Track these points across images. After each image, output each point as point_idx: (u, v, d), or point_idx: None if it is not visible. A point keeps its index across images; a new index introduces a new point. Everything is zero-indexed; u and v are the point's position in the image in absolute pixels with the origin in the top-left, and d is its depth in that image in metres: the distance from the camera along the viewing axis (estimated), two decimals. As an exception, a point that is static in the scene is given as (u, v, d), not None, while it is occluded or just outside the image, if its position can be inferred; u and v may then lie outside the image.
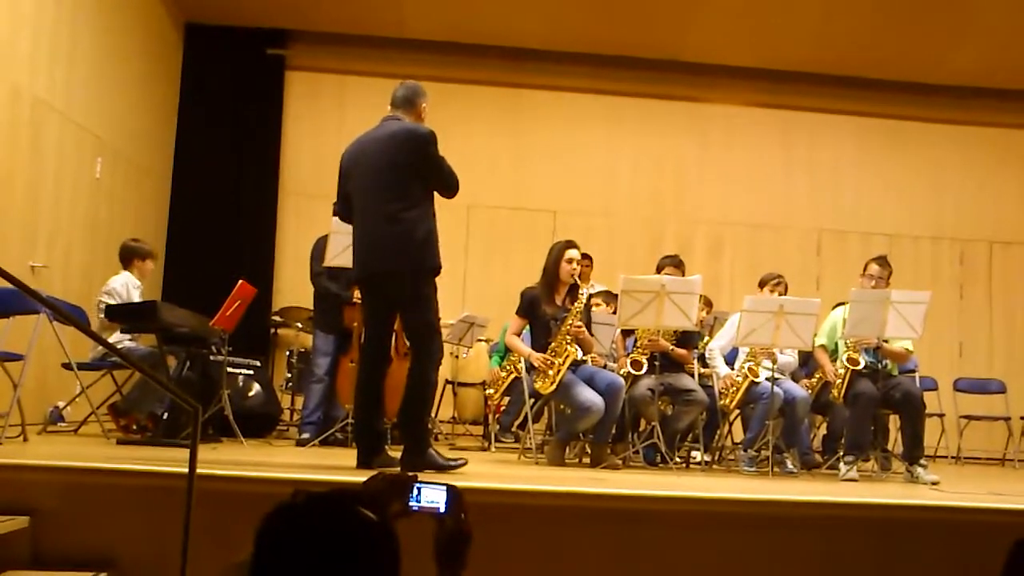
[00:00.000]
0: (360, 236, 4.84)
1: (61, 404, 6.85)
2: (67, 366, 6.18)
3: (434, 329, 4.81)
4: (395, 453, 4.82)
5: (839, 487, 5.45)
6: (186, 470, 3.18)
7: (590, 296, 6.43)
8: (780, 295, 6.47)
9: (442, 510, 1.77)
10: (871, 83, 10.32)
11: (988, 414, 9.18)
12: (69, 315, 3.67)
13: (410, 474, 1.85)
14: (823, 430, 7.73)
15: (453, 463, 4.67)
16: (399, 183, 4.71)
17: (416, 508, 1.77)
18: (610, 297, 6.96)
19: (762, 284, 6.65)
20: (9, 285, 3.28)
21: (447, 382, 8.68)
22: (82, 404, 6.39)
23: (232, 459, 4.83)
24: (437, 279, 4.83)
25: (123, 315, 6.02)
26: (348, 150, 5.06)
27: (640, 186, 10.32)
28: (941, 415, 8.85)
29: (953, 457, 9.08)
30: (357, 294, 6.60)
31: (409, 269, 4.68)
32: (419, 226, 4.69)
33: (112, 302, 6.25)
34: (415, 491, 1.78)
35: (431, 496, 1.77)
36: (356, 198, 4.90)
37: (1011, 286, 10.48)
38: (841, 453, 6.13)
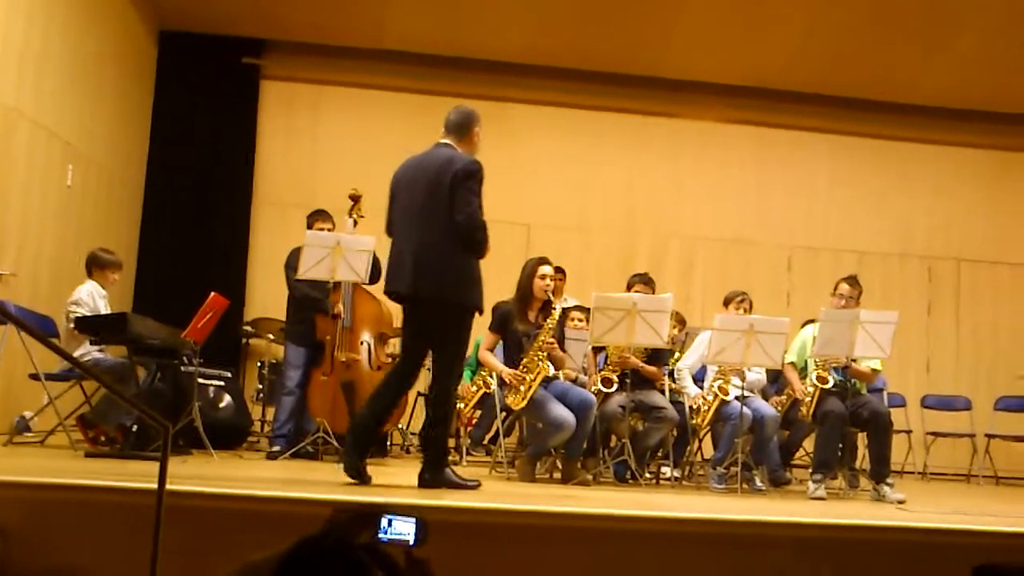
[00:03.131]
0: (396, 256, 4.92)
1: (28, 414, 6.78)
2: (35, 376, 6.13)
3: (461, 356, 4.98)
4: (376, 467, 4.82)
5: (806, 505, 5.51)
6: (155, 485, 3.17)
7: (565, 312, 6.46)
8: (745, 312, 6.53)
9: (412, 542, 1.77)
10: (846, 102, 10.44)
11: (954, 431, 9.30)
12: (32, 328, 3.63)
13: (380, 505, 1.85)
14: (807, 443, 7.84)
15: (469, 483, 4.76)
16: (440, 213, 4.76)
17: (385, 540, 1.77)
18: (584, 312, 7.00)
19: (727, 302, 6.71)
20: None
21: (419, 394, 8.67)
22: (50, 414, 6.33)
23: (202, 473, 4.81)
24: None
25: (93, 326, 5.98)
26: (397, 172, 5.10)
27: (614, 201, 10.37)
28: (908, 431, 8.96)
29: (920, 473, 9.19)
30: (339, 307, 6.62)
31: (441, 297, 4.79)
32: (455, 258, 4.77)
33: (80, 311, 6.21)
34: (384, 522, 1.78)
35: (400, 528, 1.78)
36: (399, 221, 4.96)
37: (978, 304, 10.62)
38: (795, 465, 6.20)
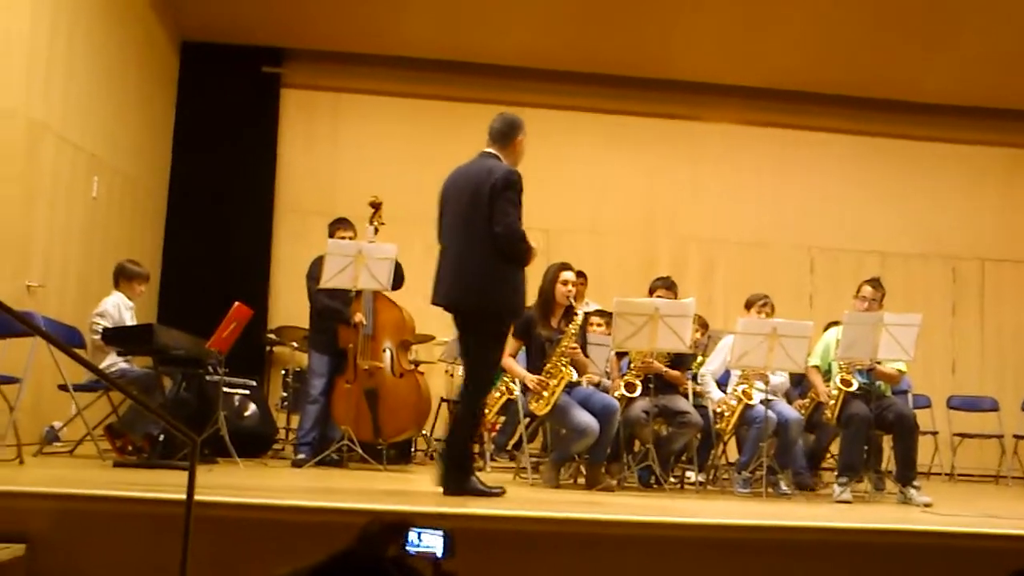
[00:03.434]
0: (442, 265, 4.99)
1: (57, 424, 6.85)
2: (63, 387, 6.19)
3: (493, 365, 4.99)
4: (399, 474, 4.84)
5: (832, 509, 5.48)
6: (184, 496, 3.19)
7: (587, 316, 6.46)
8: (767, 316, 6.51)
9: (439, 555, 1.79)
10: (863, 102, 10.37)
11: (981, 432, 9.23)
12: (59, 341, 3.68)
13: (407, 518, 1.87)
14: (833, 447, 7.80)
15: (493, 491, 4.79)
16: (480, 223, 4.80)
17: (413, 552, 1.79)
18: (605, 316, 6.99)
19: (748, 305, 6.68)
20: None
21: (442, 400, 8.69)
22: (78, 424, 6.40)
23: (229, 483, 4.85)
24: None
25: (120, 338, 6.05)
26: (445, 182, 5.14)
27: (632, 204, 10.35)
28: (935, 433, 8.89)
29: (947, 474, 9.12)
30: (359, 315, 6.65)
31: (478, 307, 4.83)
32: (495, 268, 4.79)
33: (105, 323, 6.27)
34: (412, 535, 1.80)
35: (428, 541, 1.79)
36: (445, 230, 5.03)
37: (1003, 303, 10.53)
38: (823, 468, 6.18)
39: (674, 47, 9.76)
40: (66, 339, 6.11)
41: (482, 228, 4.79)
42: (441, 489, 4.79)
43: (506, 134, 5.08)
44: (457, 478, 4.79)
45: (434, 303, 5.03)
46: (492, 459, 7.54)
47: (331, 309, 6.74)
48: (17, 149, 6.71)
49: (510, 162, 5.01)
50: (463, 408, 4.97)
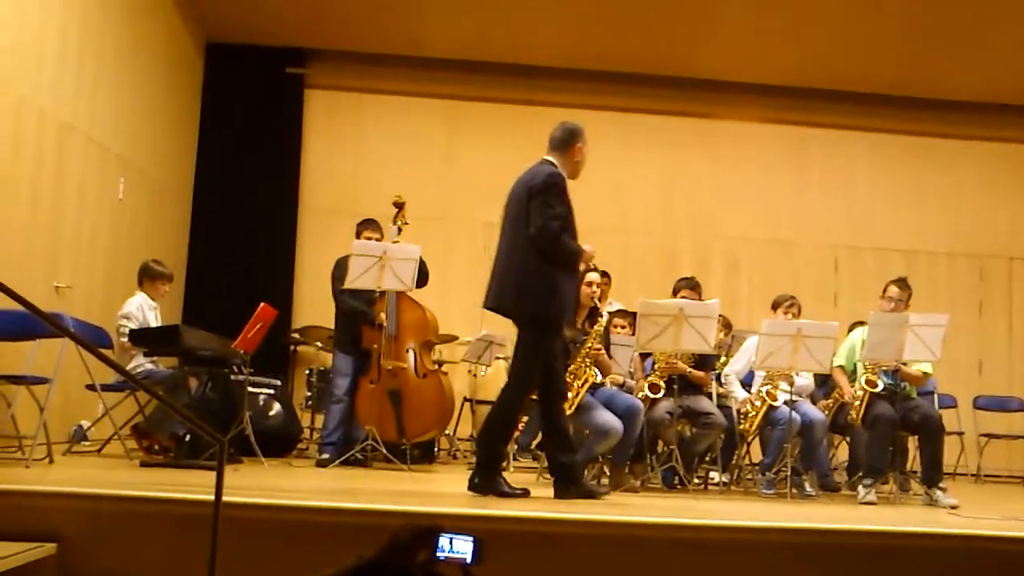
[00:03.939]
0: (493, 269, 5.08)
1: (85, 424, 6.93)
2: (91, 387, 6.26)
3: (531, 367, 4.96)
4: (423, 474, 4.86)
5: (857, 511, 5.46)
6: (211, 497, 3.22)
7: (610, 316, 6.46)
8: (794, 317, 6.48)
9: (469, 560, 1.80)
10: (885, 99, 10.32)
11: (1008, 432, 9.16)
12: (87, 342, 3.71)
13: (437, 524, 1.88)
14: (841, 449, 7.75)
15: (517, 491, 4.82)
16: (522, 226, 4.90)
17: (443, 558, 1.79)
18: (627, 316, 6.99)
19: (775, 306, 6.66)
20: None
21: (465, 399, 8.72)
22: (106, 424, 6.47)
23: (256, 484, 4.90)
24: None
25: (146, 339, 6.11)
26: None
27: (654, 203, 10.34)
28: (960, 433, 8.82)
29: (973, 475, 9.05)
30: (383, 316, 6.68)
31: (517, 309, 4.94)
32: (535, 270, 4.85)
33: (130, 325, 6.33)
34: (441, 541, 1.80)
35: (458, 546, 1.80)
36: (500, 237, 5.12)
37: (1032, 302, 10.44)
38: (859, 475, 6.15)
39: (697, 45, 9.73)
40: (93, 340, 6.17)
41: (523, 232, 4.88)
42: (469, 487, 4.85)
43: (565, 141, 5.14)
44: (483, 476, 4.84)
45: (484, 307, 5.11)
46: (515, 459, 7.55)
47: (355, 310, 6.77)
48: (46, 151, 6.79)
49: (568, 170, 5.07)
50: (493, 408, 5.03)
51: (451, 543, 1.79)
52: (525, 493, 4.84)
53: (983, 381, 10.03)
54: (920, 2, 9.00)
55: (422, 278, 6.53)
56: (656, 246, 10.17)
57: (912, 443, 6.59)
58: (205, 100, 9.90)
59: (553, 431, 5.08)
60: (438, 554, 1.79)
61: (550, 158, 5.11)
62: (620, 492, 5.72)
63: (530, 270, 4.85)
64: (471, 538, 1.81)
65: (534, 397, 6.62)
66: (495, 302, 5.01)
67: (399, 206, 6.92)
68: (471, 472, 4.96)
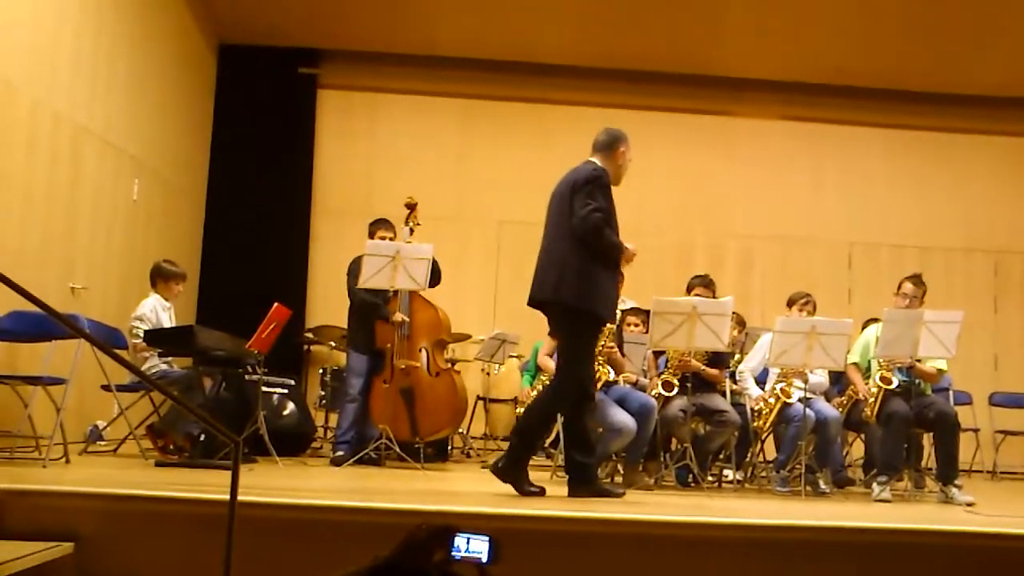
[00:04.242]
0: (536, 265, 5.09)
1: (101, 424, 6.97)
2: (106, 388, 6.29)
3: (573, 362, 4.96)
4: (437, 472, 4.86)
5: (872, 509, 5.44)
6: (226, 496, 3.24)
7: (623, 315, 6.46)
8: (809, 314, 6.46)
9: (484, 560, 1.80)
10: (900, 95, 10.27)
11: (1024, 429, 9.10)
12: (102, 343, 3.73)
13: (452, 525, 1.88)
14: (855, 446, 7.72)
15: (534, 489, 4.83)
16: (564, 221, 4.94)
17: (459, 558, 1.80)
18: (641, 314, 6.98)
19: (790, 303, 6.64)
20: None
21: (478, 398, 8.73)
22: (121, 424, 6.50)
23: (270, 483, 4.91)
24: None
25: (161, 340, 6.14)
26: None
27: (668, 201, 10.31)
28: (976, 430, 8.77)
29: (989, 472, 9.00)
30: (399, 314, 6.70)
31: (556, 301, 4.93)
32: (574, 263, 4.86)
33: (144, 327, 6.36)
34: (457, 541, 1.81)
35: (474, 546, 1.81)
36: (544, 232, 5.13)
37: (1048, 298, 10.37)
38: (874, 472, 6.13)
39: (711, 43, 9.72)
40: (108, 341, 6.23)
41: (565, 226, 4.92)
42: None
43: (609, 144, 5.20)
44: (508, 464, 4.88)
45: (528, 303, 5.13)
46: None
47: (370, 304, 6.79)
48: (61, 153, 6.83)
49: (611, 173, 5.11)
50: (533, 402, 5.14)
51: (467, 543, 1.80)
52: (541, 492, 4.84)
53: (999, 377, 9.98)
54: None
55: (435, 277, 6.54)
56: (670, 244, 10.14)
57: (927, 440, 6.56)
58: (218, 101, 9.94)
59: (575, 430, 5.05)
60: (454, 554, 1.80)
61: (594, 160, 5.14)
62: (634, 490, 5.71)
63: (571, 264, 4.87)
64: (487, 538, 1.81)
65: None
66: (533, 295, 5.03)
67: (411, 207, 6.93)
68: (497, 457, 5.00)
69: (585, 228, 4.85)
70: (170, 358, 6.62)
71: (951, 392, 8.03)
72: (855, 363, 6.41)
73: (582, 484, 4.94)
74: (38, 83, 6.53)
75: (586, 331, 4.99)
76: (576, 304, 4.87)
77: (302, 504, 3.96)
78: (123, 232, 7.85)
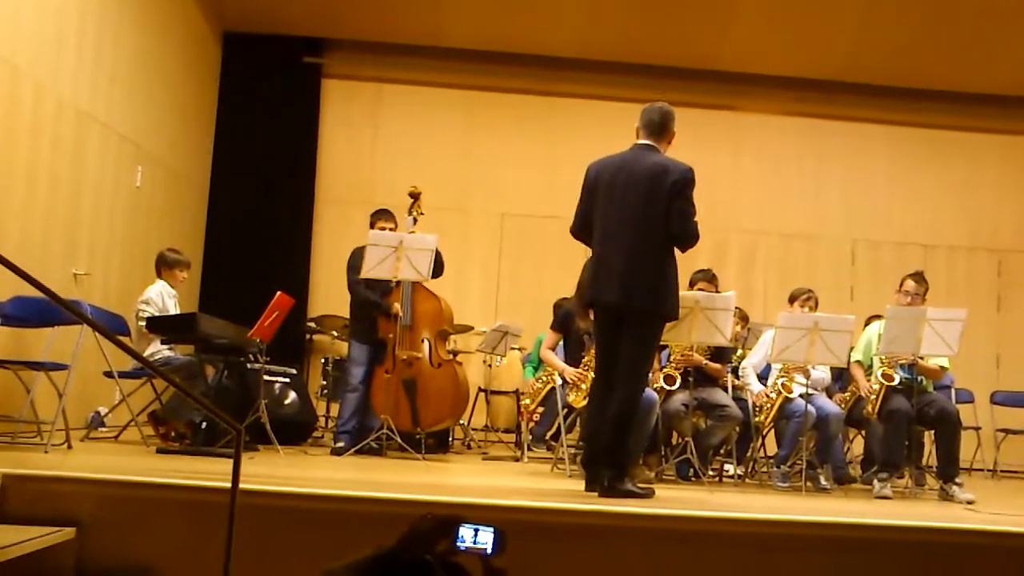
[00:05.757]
0: (602, 262, 4.84)
1: (103, 410, 6.97)
2: (108, 374, 6.30)
3: (650, 361, 4.92)
4: (438, 463, 4.85)
5: (872, 505, 5.44)
6: (228, 484, 3.24)
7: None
8: (810, 310, 6.45)
9: (489, 551, 1.80)
10: (905, 92, 10.26)
11: (1025, 427, 9.09)
12: (105, 329, 3.74)
13: (456, 515, 1.88)
14: (857, 443, 7.72)
15: (644, 492, 4.69)
16: (656, 222, 4.72)
17: (463, 548, 1.79)
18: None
19: (792, 299, 6.63)
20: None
21: (480, 390, 8.73)
22: (123, 410, 6.51)
23: (272, 472, 4.91)
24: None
25: (164, 326, 6.13)
26: (598, 169, 4.99)
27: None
28: (977, 428, 8.77)
29: (989, 471, 9.01)
30: (397, 306, 6.69)
31: (651, 308, 4.74)
32: (667, 269, 4.78)
33: (150, 311, 6.36)
34: (462, 531, 1.80)
35: (480, 537, 1.80)
36: (604, 226, 4.85)
37: (1052, 297, 10.36)
38: (875, 469, 6.13)
39: (717, 37, 9.70)
40: (111, 327, 6.24)
41: (658, 228, 4.71)
42: (596, 492, 4.65)
43: (664, 125, 4.94)
44: (612, 479, 4.64)
45: (597, 301, 4.90)
46: (529, 449, 7.56)
47: (369, 301, 6.79)
48: (64, 139, 6.82)
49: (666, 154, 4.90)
50: (620, 407, 4.69)
51: (474, 534, 1.79)
52: (651, 494, 4.73)
53: (1000, 376, 9.98)
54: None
55: (438, 268, 6.53)
56: (672, 238, 10.11)
57: (928, 438, 6.55)
58: (223, 89, 9.93)
59: (631, 415, 4.82)
60: (458, 544, 1.80)
61: (650, 143, 4.89)
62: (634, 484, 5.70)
63: (664, 272, 4.74)
64: (492, 528, 1.81)
65: (554, 385, 6.64)
66: (622, 297, 4.72)
67: (415, 196, 6.91)
68: (591, 474, 4.71)
69: (689, 238, 4.76)
70: (173, 345, 6.62)
71: (953, 390, 8.02)
72: (859, 361, 6.41)
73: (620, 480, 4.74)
74: (42, 68, 6.52)
75: (660, 332, 4.92)
76: (668, 312, 4.81)
77: (303, 493, 3.96)
78: (126, 219, 7.85)
